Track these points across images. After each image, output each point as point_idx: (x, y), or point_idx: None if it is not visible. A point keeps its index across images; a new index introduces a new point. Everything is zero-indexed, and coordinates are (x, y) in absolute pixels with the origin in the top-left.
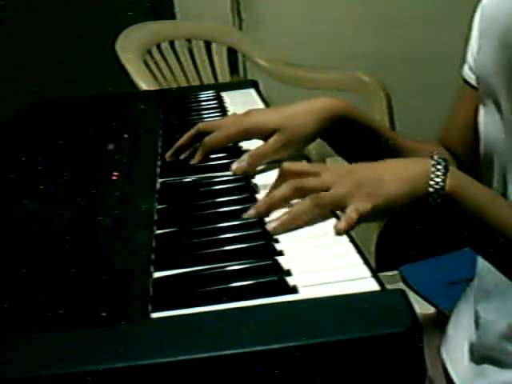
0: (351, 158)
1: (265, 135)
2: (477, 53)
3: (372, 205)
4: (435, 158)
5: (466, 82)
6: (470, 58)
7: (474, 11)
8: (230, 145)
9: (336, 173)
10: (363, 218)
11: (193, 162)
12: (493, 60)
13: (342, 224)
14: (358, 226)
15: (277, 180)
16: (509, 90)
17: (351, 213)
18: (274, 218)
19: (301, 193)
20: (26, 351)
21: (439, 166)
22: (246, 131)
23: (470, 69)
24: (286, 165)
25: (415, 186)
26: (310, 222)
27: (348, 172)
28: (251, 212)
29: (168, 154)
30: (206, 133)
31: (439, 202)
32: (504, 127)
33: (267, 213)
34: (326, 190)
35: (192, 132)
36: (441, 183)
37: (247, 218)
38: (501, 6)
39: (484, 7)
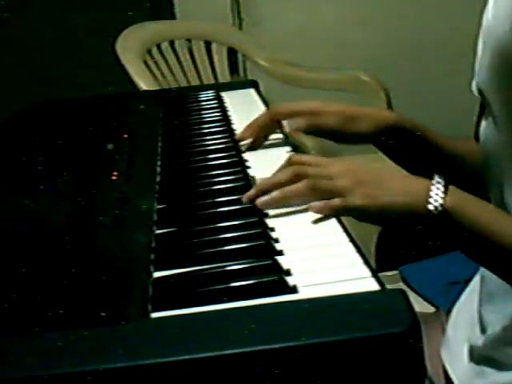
0: (407, 167)
1: (326, 115)
2: (480, 63)
3: (364, 204)
4: (436, 177)
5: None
6: (476, 71)
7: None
8: (230, 145)
9: (342, 167)
10: (349, 212)
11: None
12: (488, 71)
13: (325, 208)
14: (355, 224)
15: (282, 166)
16: (499, 95)
17: (339, 201)
18: (267, 195)
19: (302, 178)
20: (26, 351)
21: (439, 185)
22: (316, 106)
23: (476, 83)
24: (295, 155)
25: (414, 199)
26: (301, 204)
27: (353, 170)
28: (251, 192)
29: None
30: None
31: (437, 219)
32: (496, 127)
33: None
34: (329, 179)
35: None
36: (440, 200)
37: (247, 218)
38: (495, 30)
39: (484, 28)
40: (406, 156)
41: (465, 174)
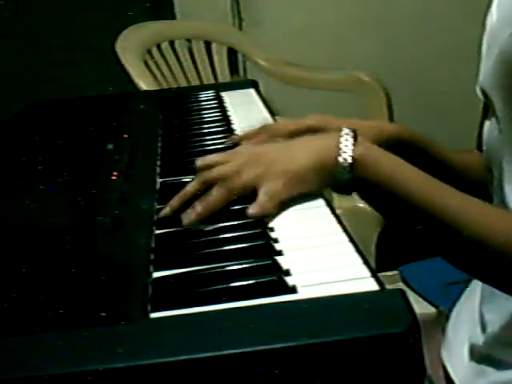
0: None
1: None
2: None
3: (283, 182)
4: (344, 129)
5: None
6: (480, 74)
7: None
8: (230, 145)
9: (246, 156)
10: (279, 200)
11: (241, 138)
12: (491, 73)
13: (255, 208)
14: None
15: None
16: (501, 96)
17: (262, 196)
18: (189, 210)
19: (210, 183)
20: (26, 351)
21: (347, 136)
22: (310, 128)
23: (480, 86)
24: (198, 161)
25: (324, 155)
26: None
27: (259, 154)
28: (166, 210)
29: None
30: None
31: (348, 170)
32: (498, 127)
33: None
34: (237, 174)
35: (256, 129)
36: (349, 152)
37: (247, 218)
38: (499, 33)
39: (488, 31)
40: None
41: (468, 185)
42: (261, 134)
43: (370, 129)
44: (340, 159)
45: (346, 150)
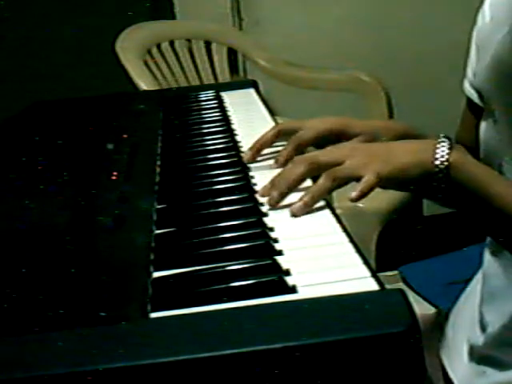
0: None
1: (346, 137)
2: (476, 64)
3: (388, 169)
4: (441, 136)
5: (467, 97)
6: (469, 72)
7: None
8: (230, 145)
9: (347, 149)
10: (381, 182)
11: (281, 159)
12: (487, 74)
13: (361, 186)
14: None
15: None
16: (500, 97)
17: (370, 175)
18: (296, 200)
19: (316, 167)
20: (26, 351)
21: (444, 143)
22: (332, 131)
23: (471, 84)
24: (313, 159)
25: (422, 157)
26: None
27: (359, 148)
28: (274, 194)
29: (248, 156)
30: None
31: (444, 173)
32: (495, 127)
33: (287, 194)
34: (341, 163)
35: (273, 132)
36: (445, 156)
37: (247, 218)
38: (493, 33)
39: (479, 30)
40: None
41: None
42: (288, 145)
43: (387, 130)
44: (437, 162)
45: (443, 154)
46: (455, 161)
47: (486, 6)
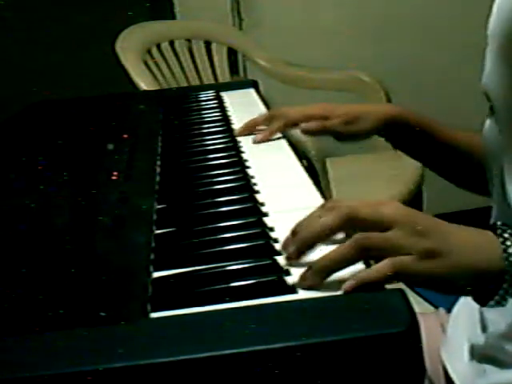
0: (415, 156)
1: (333, 117)
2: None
3: (432, 268)
4: (499, 226)
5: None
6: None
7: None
8: (230, 145)
9: (406, 231)
10: (407, 276)
11: (267, 136)
12: (492, 69)
13: (371, 272)
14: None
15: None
16: (500, 94)
17: (401, 260)
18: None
19: (366, 253)
20: (26, 351)
21: (506, 235)
22: (318, 113)
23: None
24: (352, 211)
25: (488, 255)
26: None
27: (409, 215)
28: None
29: (238, 130)
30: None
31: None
32: (497, 126)
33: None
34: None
35: (265, 116)
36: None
37: (247, 218)
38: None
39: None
40: (413, 147)
41: (471, 165)
42: (277, 122)
43: (372, 113)
44: (507, 264)
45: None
46: None
47: (494, 7)
